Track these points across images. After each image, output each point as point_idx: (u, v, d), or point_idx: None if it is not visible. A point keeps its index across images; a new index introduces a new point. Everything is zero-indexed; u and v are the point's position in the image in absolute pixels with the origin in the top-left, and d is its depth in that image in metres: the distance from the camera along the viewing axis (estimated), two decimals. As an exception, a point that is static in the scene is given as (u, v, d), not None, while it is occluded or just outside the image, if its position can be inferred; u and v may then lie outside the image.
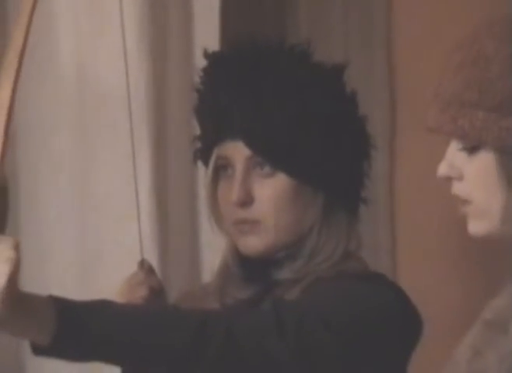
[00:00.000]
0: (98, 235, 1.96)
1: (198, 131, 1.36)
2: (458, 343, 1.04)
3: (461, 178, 1.02)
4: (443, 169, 1.02)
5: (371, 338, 1.16)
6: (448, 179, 1.04)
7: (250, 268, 1.28)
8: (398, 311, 1.21)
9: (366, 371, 1.19)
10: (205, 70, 1.31)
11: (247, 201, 1.21)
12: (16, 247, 0.98)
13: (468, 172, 1.03)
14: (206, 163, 1.28)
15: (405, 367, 1.25)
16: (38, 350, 0.99)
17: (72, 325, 1.00)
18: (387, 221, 1.87)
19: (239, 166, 1.21)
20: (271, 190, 1.22)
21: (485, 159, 1.01)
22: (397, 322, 1.21)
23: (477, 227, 1.02)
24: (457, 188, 1.03)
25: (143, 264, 1.30)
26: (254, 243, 1.23)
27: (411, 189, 1.89)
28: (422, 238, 1.88)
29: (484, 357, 0.98)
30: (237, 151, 1.21)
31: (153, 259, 1.58)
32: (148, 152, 1.86)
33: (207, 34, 1.87)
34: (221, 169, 1.24)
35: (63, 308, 1.00)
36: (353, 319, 1.16)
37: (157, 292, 1.30)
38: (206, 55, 1.31)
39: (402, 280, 1.64)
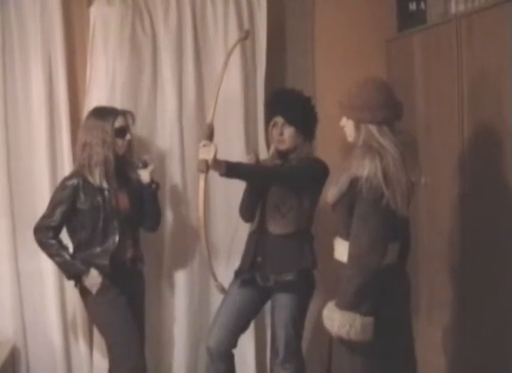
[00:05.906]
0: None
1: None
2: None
3: (344, 127, 2.46)
4: (341, 123, 2.45)
5: (316, 174, 2.98)
6: (342, 127, 2.47)
7: (281, 154, 3.09)
8: (324, 166, 3.01)
9: (314, 185, 3.00)
10: (273, 92, 3.20)
11: (281, 134, 3.03)
12: (215, 146, 2.69)
13: (346, 125, 2.45)
14: (268, 124, 3.13)
15: (321, 191, 3.06)
16: (222, 175, 2.72)
17: (230, 167, 2.69)
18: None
19: (279, 124, 3.03)
20: (289, 132, 3.01)
21: (351, 122, 2.43)
22: (324, 170, 3.00)
23: (348, 138, 2.47)
24: (345, 130, 2.46)
25: (254, 151, 3.20)
26: (282, 147, 3.06)
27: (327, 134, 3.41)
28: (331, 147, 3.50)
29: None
30: (279, 120, 3.03)
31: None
32: None
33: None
34: (274, 126, 3.07)
35: (227, 162, 2.70)
36: (310, 167, 2.99)
37: (257, 160, 3.08)
38: (273, 90, 3.21)
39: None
